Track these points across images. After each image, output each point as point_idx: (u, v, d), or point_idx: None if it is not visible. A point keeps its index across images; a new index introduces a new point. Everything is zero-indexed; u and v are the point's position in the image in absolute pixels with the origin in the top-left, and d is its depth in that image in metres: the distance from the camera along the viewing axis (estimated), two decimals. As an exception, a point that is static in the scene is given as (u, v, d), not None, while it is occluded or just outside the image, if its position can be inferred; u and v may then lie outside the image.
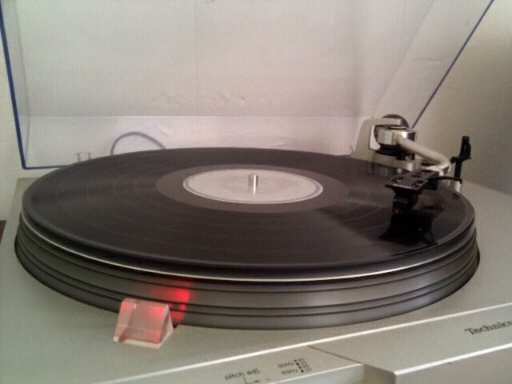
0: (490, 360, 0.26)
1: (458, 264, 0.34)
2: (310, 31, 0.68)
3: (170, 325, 0.27)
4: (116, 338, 0.26)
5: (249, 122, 0.74)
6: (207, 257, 0.31)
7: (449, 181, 0.55)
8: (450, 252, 0.33)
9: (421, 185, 0.38)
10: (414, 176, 0.40)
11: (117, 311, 0.26)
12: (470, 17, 0.70)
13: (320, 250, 0.33)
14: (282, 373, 0.24)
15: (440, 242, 0.33)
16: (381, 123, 0.66)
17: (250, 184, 0.49)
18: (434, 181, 0.41)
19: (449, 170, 0.51)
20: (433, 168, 0.48)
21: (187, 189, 0.47)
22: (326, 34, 0.70)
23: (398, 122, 0.67)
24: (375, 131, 0.66)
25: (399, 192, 0.38)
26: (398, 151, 0.63)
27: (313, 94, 0.75)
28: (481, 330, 0.28)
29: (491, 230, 0.45)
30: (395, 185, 0.38)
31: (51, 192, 0.43)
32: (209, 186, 0.49)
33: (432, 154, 0.57)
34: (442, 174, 0.47)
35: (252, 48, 0.67)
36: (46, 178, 0.48)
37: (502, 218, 0.50)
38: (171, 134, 0.70)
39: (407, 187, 0.37)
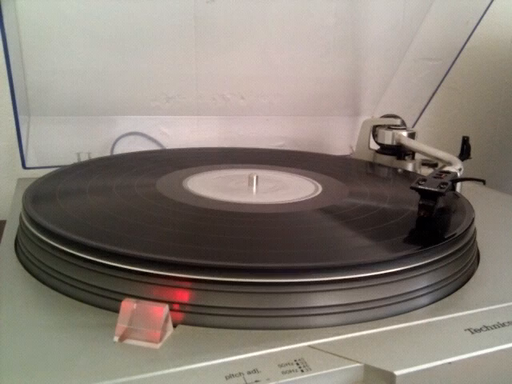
0: (490, 360, 0.26)
1: (458, 264, 0.34)
2: (310, 31, 0.68)
3: (170, 325, 0.27)
4: (116, 338, 0.26)
5: (249, 122, 0.74)
6: (207, 257, 0.31)
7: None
8: (449, 252, 0.33)
9: (446, 186, 0.37)
10: (436, 177, 0.40)
11: (117, 311, 0.26)
12: (470, 17, 0.70)
13: (320, 250, 0.33)
14: (282, 373, 0.24)
15: (440, 241, 0.33)
16: (380, 123, 0.66)
17: (250, 184, 0.49)
18: (453, 182, 0.41)
19: (462, 170, 0.51)
20: (450, 169, 0.47)
21: (187, 189, 0.47)
22: (325, 34, 0.70)
23: (398, 121, 0.67)
24: (374, 131, 0.66)
25: (424, 194, 0.37)
26: (398, 151, 0.63)
27: (313, 94, 0.75)
28: (481, 329, 0.28)
29: (491, 230, 0.45)
30: (420, 187, 0.37)
31: (51, 192, 0.43)
32: (209, 185, 0.49)
33: (440, 154, 0.56)
34: (459, 174, 0.47)
35: (252, 48, 0.67)
36: (46, 178, 0.48)
37: (502, 218, 0.50)
38: (171, 134, 0.70)
39: (433, 189, 0.37)
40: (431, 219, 0.37)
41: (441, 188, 0.37)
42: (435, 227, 0.38)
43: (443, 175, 0.41)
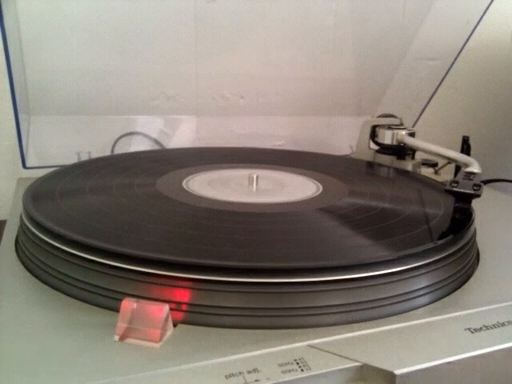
0: (490, 360, 0.27)
1: (458, 264, 0.34)
2: (309, 31, 0.68)
3: (170, 324, 0.27)
4: (116, 338, 0.26)
5: (249, 121, 0.74)
6: (207, 256, 0.31)
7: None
8: (450, 252, 0.33)
9: (479, 188, 0.37)
10: (465, 179, 0.40)
11: (117, 310, 0.26)
12: (470, 17, 0.70)
13: (320, 250, 0.33)
14: (282, 372, 0.24)
15: (440, 241, 0.33)
16: (380, 123, 0.66)
17: (250, 184, 0.49)
18: (484, 183, 0.41)
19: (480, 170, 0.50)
20: (472, 170, 0.47)
21: (187, 188, 0.47)
22: (325, 34, 0.70)
23: (398, 121, 0.67)
24: (374, 132, 0.66)
25: (459, 197, 0.37)
26: (398, 151, 0.63)
27: (313, 93, 0.75)
28: (480, 329, 0.28)
29: (491, 230, 0.45)
30: (455, 189, 0.37)
31: (51, 191, 0.43)
32: (209, 185, 0.49)
33: (452, 154, 0.55)
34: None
35: (252, 48, 0.67)
36: (46, 178, 0.48)
37: (502, 217, 0.50)
38: (171, 134, 0.70)
39: (470, 191, 0.37)
40: (464, 220, 0.37)
41: (475, 190, 0.37)
42: (435, 227, 0.38)
43: (472, 176, 0.41)
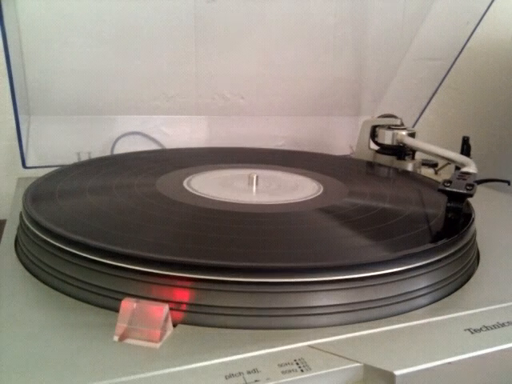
0: (490, 360, 0.26)
1: (458, 264, 0.34)
2: (309, 31, 0.68)
3: (169, 324, 0.27)
4: (116, 338, 0.26)
5: (249, 121, 0.74)
6: (207, 256, 0.31)
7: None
8: (449, 252, 0.33)
9: (472, 188, 0.37)
10: (459, 179, 0.40)
11: (117, 310, 0.26)
12: (470, 17, 0.70)
13: (320, 250, 0.33)
14: (282, 372, 0.24)
15: (440, 242, 0.33)
16: (380, 123, 0.66)
17: (250, 184, 0.49)
18: (478, 183, 0.41)
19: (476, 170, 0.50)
20: (468, 170, 0.47)
21: (187, 188, 0.47)
22: (325, 34, 0.70)
23: (398, 121, 0.67)
24: (374, 132, 0.66)
25: (452, 196, 0.37)
26: (398, 151, 0.63)
27: (313, 93, 0.75)
28: (480, 329, 0.28)
29: (491, 230, 0.45)
30: (448, 189, 0.37)
31: (51, 191, 0.43)
32: (209, 185, 0.49)
33: (450, 154, 0.55)
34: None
35: (252, 48, 0.67)
36: (46, 178, 0.48)
37: (502, 218, 0.50)
38: (171, 134, 0.70)
39: (463, 191, 0.37)
40: (458, 220, 0.37)
41: (468, 189, 0.37)
42: (435, 227, 0.38)
43: (466, 176, 0.41)
